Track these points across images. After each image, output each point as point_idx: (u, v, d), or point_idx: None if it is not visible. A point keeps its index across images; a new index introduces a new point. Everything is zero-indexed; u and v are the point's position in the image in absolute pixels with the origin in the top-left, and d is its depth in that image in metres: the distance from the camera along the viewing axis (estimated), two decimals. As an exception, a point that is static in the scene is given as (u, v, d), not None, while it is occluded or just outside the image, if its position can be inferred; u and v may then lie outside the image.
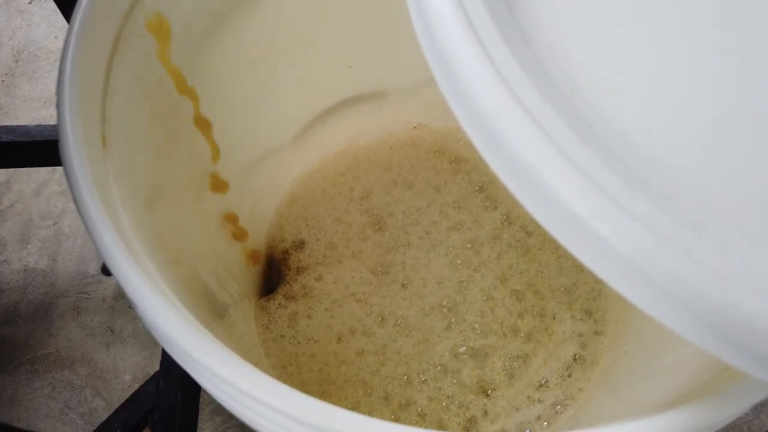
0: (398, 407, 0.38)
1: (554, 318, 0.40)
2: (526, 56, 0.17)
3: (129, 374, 0.53)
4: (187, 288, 0.28)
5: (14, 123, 0.67)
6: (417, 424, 0.37)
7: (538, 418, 0.37)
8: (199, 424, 0.49)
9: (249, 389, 0.19)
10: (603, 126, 0.17)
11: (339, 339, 0.40)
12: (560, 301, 0.41)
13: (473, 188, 0.45)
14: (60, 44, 0.71)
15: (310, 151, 0.46)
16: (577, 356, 0.39)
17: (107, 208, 0.22)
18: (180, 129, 0.33)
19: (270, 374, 0.40)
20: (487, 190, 0.45)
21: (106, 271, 0.57)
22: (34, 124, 0.55)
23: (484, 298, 0.41)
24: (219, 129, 0.36)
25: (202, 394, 0.46)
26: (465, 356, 0.39)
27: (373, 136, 0.47)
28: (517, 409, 0.38)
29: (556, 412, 0.37)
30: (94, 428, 0.43)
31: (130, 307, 0.55)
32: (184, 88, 0.32)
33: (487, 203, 0.44)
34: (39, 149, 0.49)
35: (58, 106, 0.23)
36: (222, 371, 0.19)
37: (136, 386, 0.46)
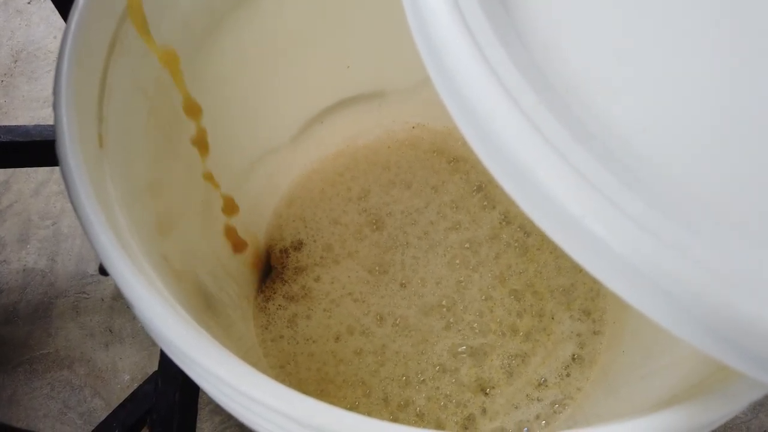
0: (397, 408, 0.38)
1: (553, 318, 0.40)
2: (521, 56, 0.17)
3: (128, 374, 0.53)
4: (185, 288, 0.28)
5: (13, 123, 0.67)
6: (415, 424, 0.37)
7: (537, 416, 0.37)
8: (198, 424, 0.49)
9: (246, 389, 0.19)
10: (598, 126, 0.17)
11: (337, 339, 0.40)
12: (559, 301, 0.41)
13: (471, 188, 0.45)
14: (59, 44, 0.71)
15: (309, 151, 0.46)
16: (575, 356, 0.39)
17: (104, 209, 0.22)
18: (178, 129, 0.33)
19: (268, 374, 0.40)
20: (485, 189, 0.45)
21: (103, 271, 0.57)
22: (33, 124, 0.55)
23: (483, 297, 0.41)
24: (218, 129, 0.36)
25: (201, 393, 0.46)
26: (464, 355, 0.39)
27: (372, 136, 0.47)
28: (516, 408, 0.38)
29: (555, 411, 0.37)
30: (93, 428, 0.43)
31: (128, 307, 0.55)
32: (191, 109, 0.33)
33: (485, 203, 0.44)
34: (38, 149, 0.49)
35: (55, 106, 0.23)
36: (219, 371, 0.19)
37: (135, 386, 0.46)
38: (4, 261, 0.59)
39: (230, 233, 0.40)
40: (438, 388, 0.38)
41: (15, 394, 0.53)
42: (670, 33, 0.19)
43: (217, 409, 0.50)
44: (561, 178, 0.15)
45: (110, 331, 0.55)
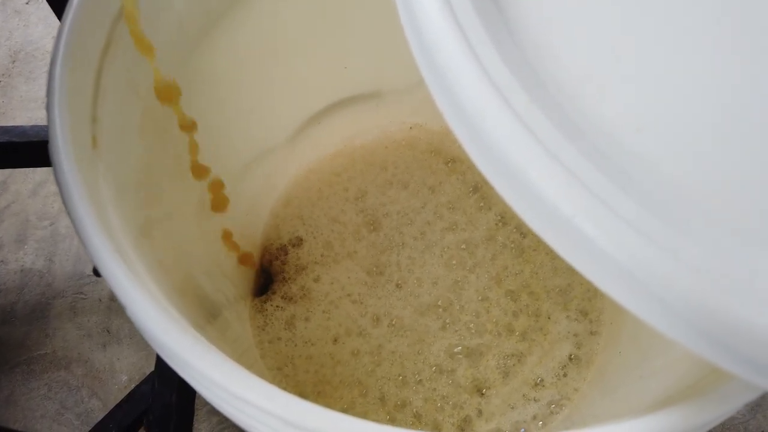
0: (394, 408, 0.38)
1: (549, 318, 0.40)
2: (513, 54, 0.17)
3: (125, 375, 0.53)
4: (179, 289, 0.28)
5: (11, 123, 0.67)
6: (413, 425, 0.37)
7: (534, 417, 0.37)
8: (196, 425, 0.49)
9: (241, 392, 0.19)
10: (590, 125, 0.16)
11: (335, 340, 0.40)
12: (555, 301, 0.41)
13: (468, 189, 0.45)
14: (57, 45, 0.71)
15: (306, 151, 0.46)
16: (572, 356, 0.39)
17: (97, 210, 0.22)
18: (172, 130, 0.33)
19: (266, 376, 0.40)
20: (481, 190, 0.45)
21: (97, 272, 0.57)
22: (31, 124, 0.55)
23: (479, 298, 0.41)
24: (214, 129, 0.36)
25: (198, 394, 0.46)
26: (460, 356, 0.39)
27: (369, 136, 0.47)
28: (513, 408, 0.37)
29: (552, 412, 0.37)
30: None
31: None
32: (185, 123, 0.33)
33: (482, 204, 0.44)
34: (35, 150, 0.49)
35: (48, 107, 0.23)
36: (213, 374, 0.19)
37: (133, 387, 0.46)
38: (2, 261, 0.59)
39: (228, 239, 0.39)
40: (435, 389, 0.38)
41: (12, 395, 0.53)
42: (664, 31, 0.18)
43: (215, 410, 0.50)
44: (552, 177, 0.15)
45: (108, 331, 0.55)
